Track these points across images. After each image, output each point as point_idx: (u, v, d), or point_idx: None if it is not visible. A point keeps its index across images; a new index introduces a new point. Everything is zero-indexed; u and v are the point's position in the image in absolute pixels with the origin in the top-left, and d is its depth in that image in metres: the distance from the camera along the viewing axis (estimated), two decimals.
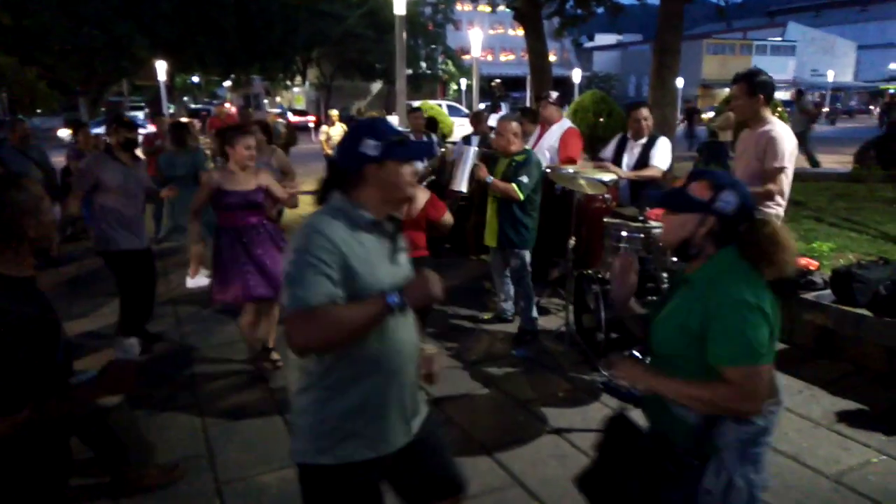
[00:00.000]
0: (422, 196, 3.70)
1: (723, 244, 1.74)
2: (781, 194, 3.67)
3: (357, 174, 1.73)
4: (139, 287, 4.64)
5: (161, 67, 21.44)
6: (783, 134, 3.62)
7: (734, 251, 1.73)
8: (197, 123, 13.83)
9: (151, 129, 7.26)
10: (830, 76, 48.70)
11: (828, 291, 4.40)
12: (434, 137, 7.69)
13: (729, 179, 1.80)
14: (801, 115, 10.93)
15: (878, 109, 33.82)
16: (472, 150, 4.97)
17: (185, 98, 45.90)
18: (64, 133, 22.72)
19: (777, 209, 3.73)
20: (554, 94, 5.70)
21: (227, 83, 36.41)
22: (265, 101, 47.29)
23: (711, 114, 17.87)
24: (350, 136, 1.77)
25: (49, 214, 1.84)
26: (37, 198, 1.82)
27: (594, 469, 1.95)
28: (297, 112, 37.12)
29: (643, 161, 4.81)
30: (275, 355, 4.32)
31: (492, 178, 4.45)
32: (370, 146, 1.71)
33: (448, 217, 3.79)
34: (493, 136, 5.03)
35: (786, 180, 3.66)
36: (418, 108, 8.95)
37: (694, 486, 1.69)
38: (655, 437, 1.84)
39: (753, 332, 1.62)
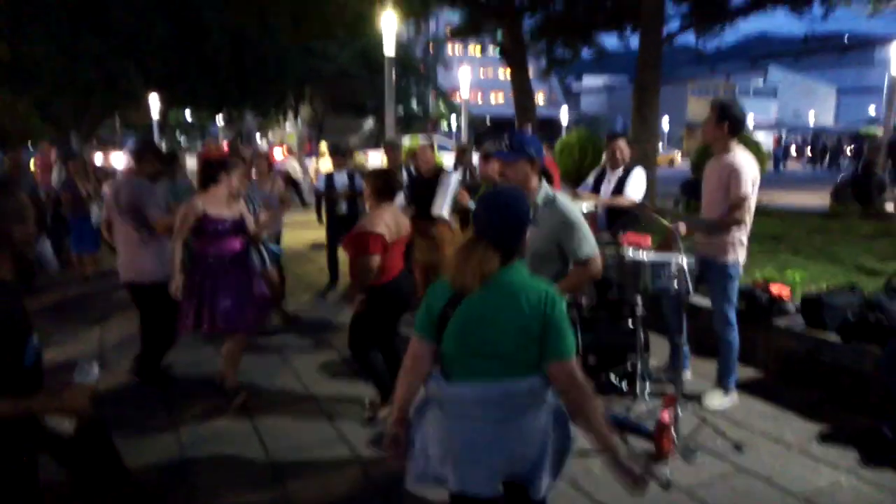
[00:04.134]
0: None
1: None
2: (744, 221, 3.82)
3: None
4: (168, 319, 4.24)
5: (154, 104, 21.65)
6: (744, 163, 3.77)
7: None
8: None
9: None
10: (811, 119, 49.97)
11: (799, 318, 4.50)
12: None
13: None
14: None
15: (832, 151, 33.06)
16: (455, 176, 5.09)
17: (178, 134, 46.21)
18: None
19: (740, 234, 3.87)
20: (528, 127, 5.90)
21: (220, 122, 36.78)
22: (258, 136, 47.69)
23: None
24: None
25: (32, 222, 1.91)
26: (22, 205, 1.89)
27: None
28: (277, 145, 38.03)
29: (619, 190, 4.97)
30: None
31: (474, 203, 4.56)
32: None
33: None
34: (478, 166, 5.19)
35: (749, 207, 3.81)
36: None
37: None
38: None
39: None
